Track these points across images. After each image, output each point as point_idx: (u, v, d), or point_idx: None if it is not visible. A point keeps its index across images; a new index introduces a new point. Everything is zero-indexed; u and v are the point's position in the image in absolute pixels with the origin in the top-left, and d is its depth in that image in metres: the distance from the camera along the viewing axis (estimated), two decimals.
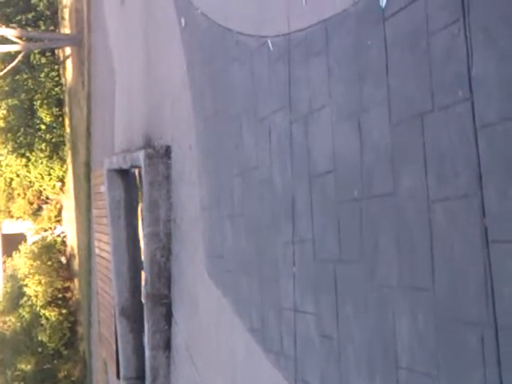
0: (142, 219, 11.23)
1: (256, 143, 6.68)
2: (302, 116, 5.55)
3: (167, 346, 10.99)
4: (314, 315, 5.42)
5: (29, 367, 26.07)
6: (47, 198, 29.02)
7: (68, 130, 26.12)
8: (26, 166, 26.51)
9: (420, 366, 3.97)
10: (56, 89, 26.59)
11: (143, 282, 10.98)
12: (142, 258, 11.11)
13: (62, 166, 26.89)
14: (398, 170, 4.15)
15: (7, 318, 27.02)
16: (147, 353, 11.12)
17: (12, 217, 29.66)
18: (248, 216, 7.02)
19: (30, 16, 24.75)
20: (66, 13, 25.14)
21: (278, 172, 6.10)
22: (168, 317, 10.83)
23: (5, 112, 26.14)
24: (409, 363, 4.08)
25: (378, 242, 4.39)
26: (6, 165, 26.99)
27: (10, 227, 32.08)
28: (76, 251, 25.73)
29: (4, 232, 33.10)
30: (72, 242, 26.87)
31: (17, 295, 26.81)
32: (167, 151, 10.41)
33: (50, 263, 26.66)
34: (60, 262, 27.67)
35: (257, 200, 6.72)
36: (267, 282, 6.49)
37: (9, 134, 26.22)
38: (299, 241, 5.70)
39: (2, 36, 23.36)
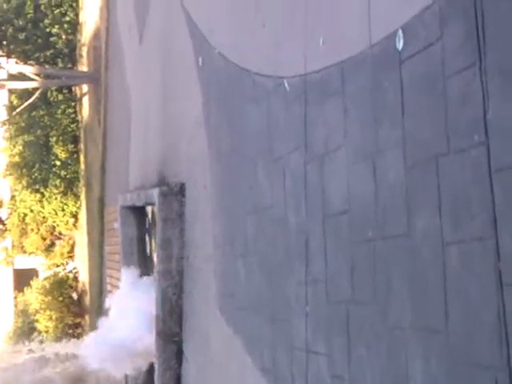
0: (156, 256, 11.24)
1: (271, 182, 6.71)
2: (318, 156, 5.58)
3: None
4: (326, 356, 5.40)
5: None
6: (60, 233, 29.10)
7: (83, 166, 26.28)
8: (40, 201, 26.65)
9: None
10: (72, 125, 26.81)
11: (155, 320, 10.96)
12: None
13: (75, 202, 27.00)
14: (413, 211, 4.16)
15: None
16: None
17: (25, 252, 29.74)
18: (261, 255, 7.02)
19: (48, 53, 25.03)
20: (84, 51, 25.43)
21: (293, 212, 6.12)
22: (179, 354, 10.80)
23: (21, 148, 26.36)
24: None
25: (391, 284, 4.39)
26: (21, 200, 27.14)
27: (23, 262, 32.13)
28: (87, 287, 25.72)
29: (16, 267, 33.13)
30: (84, 278, 26.88)
31: (28, 330, 26.77)
32: (181, 189, 10.46)
33: (61, 299, 26.67)
34: (71, 297, 27.66)
35: (270, 239, 6.73)
36: (279, 321, 6.48)
37: (24, 170, 26.41)
38: (312, 281, 5.70)
39: (21, 73, 23.63)
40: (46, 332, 25.78)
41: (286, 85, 6.28)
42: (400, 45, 4.30)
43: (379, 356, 4.53)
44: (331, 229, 5.36)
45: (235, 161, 7.94)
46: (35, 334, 26.29)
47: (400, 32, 4.28)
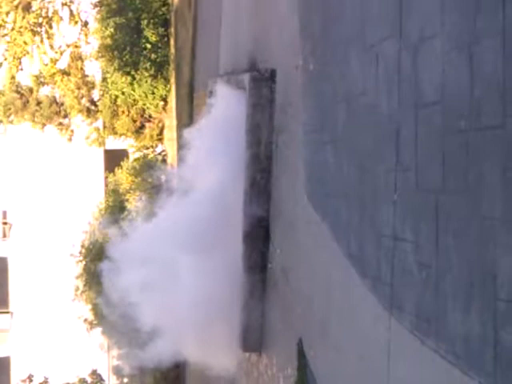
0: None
1: (363, 70, 6.67)
2: (412, 44, 5.51)
3: (263, 267, 11.21)
4: (413, 243, 5.47)
5: None
6: (150, 116, 29.50)
7: (173, 50, 26.35)
8: (131, 84, 26.93)
9: None
10: (163, 9, 26.76)
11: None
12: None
13: (165, 86, 27.21)
14: (509, 102, 4.11)
15: (109, 231, 27.88)
16: (243, 274, 11.28)
17: (116, 133, 30.32)
18: (351, 142, 7.05)
19: None
20: None
21: (385, 100, 6.09)
22: (266, 238, 11.03)
23: (112, 30, 26.51)
24: (508, 295, 4.10)
25: (483, 174, 4.38)
26: (112, 82, 27.48)
27: (113, 143, 32.83)
28: None
29: (107, 148, 33.87)
30: (172, 160, 27.36)
31: (118, 209, 27.56)
32: (272, 75, 10.45)
33: (150, 180, 27.25)
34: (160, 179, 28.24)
35: (361, 126, 6.74)
36: (367, 208, 6.56)
37: (115, 52, 26.62)
38: (402, 169, 5.72)
39: None
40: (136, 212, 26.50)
41: None
42: None
43: (467, 245, 4.58)
44: (423, 118, 5.34)
45: (327, 47, 7.88)
46: (126, 212, 27.07)
47: None
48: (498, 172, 4.20)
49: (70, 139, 31.16)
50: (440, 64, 5.04)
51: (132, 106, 28.28)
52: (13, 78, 27.27)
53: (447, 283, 4.90)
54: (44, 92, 29.68)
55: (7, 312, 33.83)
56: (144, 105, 28.01)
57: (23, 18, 23.28)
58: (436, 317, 5.06)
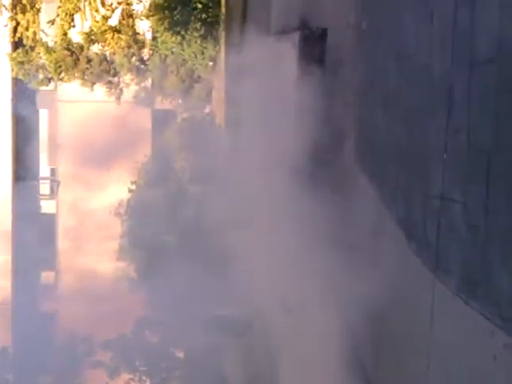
0: None
1: (417, 28, 6.52)
2: None
3: None
4: (462, 204, 5.37)
5: None
6: (199, 76, 29.42)
7: (223, 10, 26.19)
8: (181, 44, 26.85)
9: None
10: None
11: None
12: None
13: (215, 47, 27.08)
14: None
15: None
16: None
17: (164, 93, 30.30)
18: (402, 102, 6.93)
19: None
20: None
21: (438, 58, 5.96)
22: None
23: None
24: None
25: None
26: (162, 42, 27.43)
27: (162, 103, 32.79)
28: None
29: (156, 107, 33.83)
30: (220, 121, 27.33)
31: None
32: (323, 34, 10.30)
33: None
34: None
35: (413, 86, 6.61)
36: (416, 168, 6.45)
37: (166, 12, 26.54)
38: (453, 129, 5.60)
39: None
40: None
41: None
42: None
43: None
44: (477, 77, 5.21)
45: (380, 4, 7.74)
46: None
47: None
48: None
49: (119, 98, 31.20)
50: (497, 19, 4.89)
51: (181, 65, 28.23)
52: (65, 34, 27.34)
53: (495, 245, 4.80)
54: (94, 50, 29.75)
55: None
56: (193, 65, 27.94)
57: None
58: (482, 278, 4.97)
